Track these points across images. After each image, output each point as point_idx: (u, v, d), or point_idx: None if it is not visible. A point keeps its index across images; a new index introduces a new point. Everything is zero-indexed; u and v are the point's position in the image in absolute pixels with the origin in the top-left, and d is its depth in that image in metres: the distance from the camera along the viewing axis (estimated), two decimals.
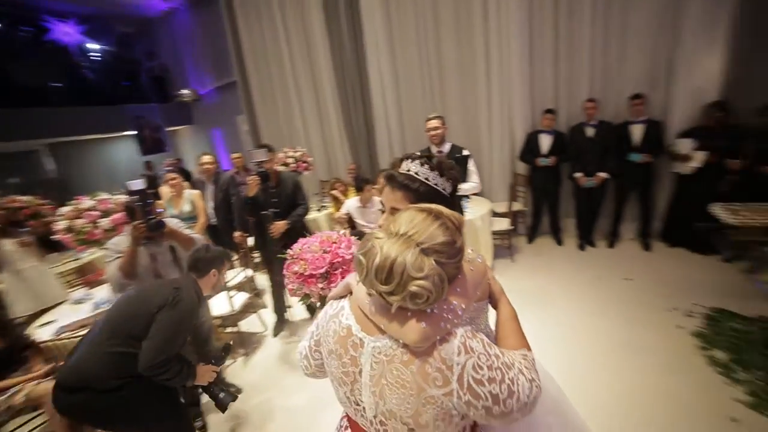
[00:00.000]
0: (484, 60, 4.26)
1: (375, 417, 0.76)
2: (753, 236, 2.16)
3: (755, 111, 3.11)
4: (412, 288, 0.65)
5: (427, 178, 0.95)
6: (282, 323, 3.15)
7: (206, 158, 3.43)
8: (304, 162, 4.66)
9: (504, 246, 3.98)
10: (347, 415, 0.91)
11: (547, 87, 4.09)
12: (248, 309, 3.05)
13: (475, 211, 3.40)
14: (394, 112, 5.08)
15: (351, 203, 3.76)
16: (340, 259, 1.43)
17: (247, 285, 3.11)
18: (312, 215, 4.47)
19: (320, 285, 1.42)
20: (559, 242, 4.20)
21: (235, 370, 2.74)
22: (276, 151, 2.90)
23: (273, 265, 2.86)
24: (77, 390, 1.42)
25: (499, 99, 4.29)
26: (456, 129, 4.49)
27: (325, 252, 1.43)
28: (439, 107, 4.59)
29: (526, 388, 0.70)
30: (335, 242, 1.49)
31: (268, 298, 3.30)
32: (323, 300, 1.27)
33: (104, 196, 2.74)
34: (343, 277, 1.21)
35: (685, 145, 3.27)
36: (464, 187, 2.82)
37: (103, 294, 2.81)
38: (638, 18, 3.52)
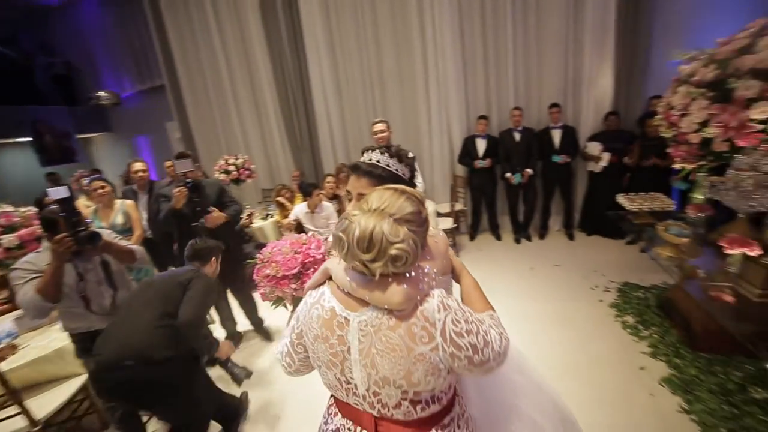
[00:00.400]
0: (423, 70, 4.55)
1: (368, 390, 0.80)
2: (646, 219, 2.63)
3: (636, 121, 3.86)
4: (392, 251, 0.72)
5: (388, 165, 1.04)
6: (233, 337, 2.96)
7: (138, 165, 3.08)
8: (247, 169, 4.47)
9: (449, 244, 4.22)
10: (335, 402, 0.93)
11: (480, 95, 4.51)
12: None
13: None
14: (336, 120, 5.14)
15: (299, 209, 3.71)
16: (311, 259, 1.44)
17: None
18: (258, 223, 4.31)
19: (293, 285, 1.41)
20: (498, 238, 4.60)
21: None
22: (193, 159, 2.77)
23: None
24: (128, 366, 1.52)
25: (437, 106, 4.60)
26: (398, 135, 4.69)
27: (296, 253, 1.43)
28: (381, 114, 4.78)
29: (497, 339, 0.81)
30: (305, 243, 1.50)
31: (213, 313, 3.08)
32: (296, 301, 1.27)
33: (6, 208, 2.33)
34: None
35: (594, 148, 3.88)
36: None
37: (5, 326, 2.37)
38: (549, 40, 4.11)
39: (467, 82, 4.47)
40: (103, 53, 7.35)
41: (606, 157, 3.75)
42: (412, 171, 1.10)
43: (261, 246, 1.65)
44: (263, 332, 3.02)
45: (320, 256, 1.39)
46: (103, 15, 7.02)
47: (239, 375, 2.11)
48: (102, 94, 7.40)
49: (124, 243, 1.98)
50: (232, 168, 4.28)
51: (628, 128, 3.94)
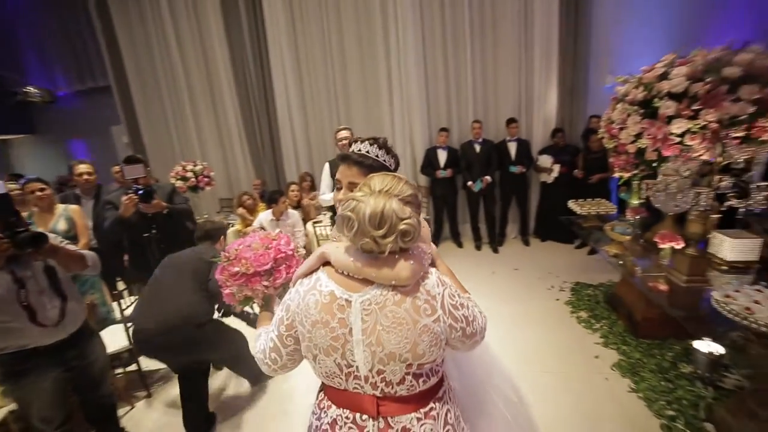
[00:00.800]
0: (387, 83, 4.74)
1: (371, 370, 0.81)
2: (593, 222, 2.96)
3: (581, 137, 4.33)
4: (402, 227, 0.77)
5: (377, 156, 1.09)
6: None
7: (84, 167, 2.77)
8: (206, 176, 4.26)
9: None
10: (327, 395, 0.91)
11: (441, 109, 4.77)
12: None
13: None
14: (300, 130, 5.15)
15: (264, 217, 3.62)
16: (282, 255, 1.40)
17: None
18: None
19: (265, 282, 1.36)
20: (460, 245, 4.81)
21: (135, 417, 2.26)
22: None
23: None
24: (177, 329, 1.85)
25: (401, 119, 4.78)
26: None
27: (267, 248, 1.39)
28: (345, 125, 4.86)
29: (479, 315, 0.90)
30: (275, 239, 1.46)
31: None
32: (267, 300, 1.23)
33: None
34: (287, 273, 1.22)
35: (546, 160, 4.27)
36: None
37: None
38: (503, 61, 4.50)
39: (429, 97, 4.72)
40: (31, 47, 6.61)
41: (557, 169, 4.16)
42: (397, 163, 1.16)
43: None
44: None
45: (290, 252, 1.37)
46: (31, 3, 6.33)
47: (254, 320, 2.39)
48: (31, 90, 6.57)
49: (72, 248, 1.78)
50: (190, 175, 4.05)
51: (573, 143, 4.41)
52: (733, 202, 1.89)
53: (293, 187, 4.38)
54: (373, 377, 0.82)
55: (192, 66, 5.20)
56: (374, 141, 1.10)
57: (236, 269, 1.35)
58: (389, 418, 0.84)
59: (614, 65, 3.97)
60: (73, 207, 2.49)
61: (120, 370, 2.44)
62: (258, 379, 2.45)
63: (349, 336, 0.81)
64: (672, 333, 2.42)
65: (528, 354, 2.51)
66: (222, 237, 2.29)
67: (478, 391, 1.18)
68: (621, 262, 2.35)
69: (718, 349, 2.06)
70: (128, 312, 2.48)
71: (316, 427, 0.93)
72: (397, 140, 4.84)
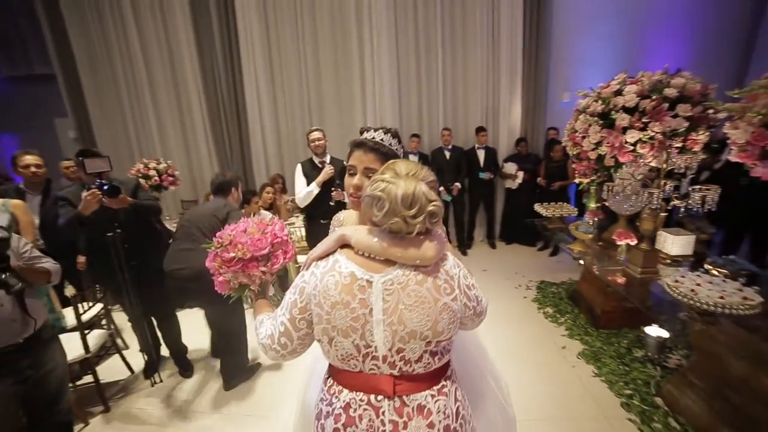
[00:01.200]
0: (360, 89, 4.81)
1: (390, 349, 0.82)
2: (557, 224, 3.21)
3: (544, 146, 4.69)
4: (430, 208, 0.81)
5: (390, 144, 1.13)
6: (156, 361, 2.54)
7: (30, 158, 2.46)
8: (171, 175, 4.00)
9: None
10: (336, 380, 0.91)
11: (413, 115, 4.93)
12: (106, 351, 2.34)
13: None
14: (271, 134, 5.06)
15: None
16: (278, 240, 1.38)
17: (100, 321, 2.38)
18: None
19: (263, 268, 1.33)
20: None
21: None
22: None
23: (127, 294, 2.31)
24: (195, 280, 2.00)
25: (373, 123, 4.85)
26: (335, 149, 4.80)
27: (263, 233, 1.36)
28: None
29: (483, 296, 0.96)
30: (269, 224, 1.44)
31: (128, 338, 2.62)
32: (263, 287, 1.21)
33: None
34: (284, 258, 1.21)
35: (511, 167, 4.56)
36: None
37: None
38: (472, 73, 4.76)
39: (401, 103, 4.86)
40: None
41: (521, 176, 4.46)
42: (405, 152, 1.22)
43: None
44: (184, 363, 2.60)
45: (285, 237, 1.36)
46: None
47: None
48: None
49: (37, 254, 1.57)
50: (152, 173, 3.78)
51: (534, 152, 4.75)
52: (676, 202, 2.17)
53: (268, 189, 4.26)
54: (392, 356, 0.83)
55: (155, 62, 4.89)
56: (387, 130, 1.14)
57: (232, 255, 1.29)
58: (405, 397, 0.85)
59: (569, 83, 4.40)
60: (15, 202, 2.20)
61: (69, 384, 2.18)
62: (235, 378, 2.39)
63: (369, 316, 0.82)
64: (627, 323, 2.69)
65: (501, 348, 2.63)
66: (233, 188, 2.36)
67: (472, 371, 1.25)
68: (582, 262, 2.58)
69: (664, 333, 2.33)
70: (86, 317, 2.26)
71: (327, 413, 0.91)
72: None
